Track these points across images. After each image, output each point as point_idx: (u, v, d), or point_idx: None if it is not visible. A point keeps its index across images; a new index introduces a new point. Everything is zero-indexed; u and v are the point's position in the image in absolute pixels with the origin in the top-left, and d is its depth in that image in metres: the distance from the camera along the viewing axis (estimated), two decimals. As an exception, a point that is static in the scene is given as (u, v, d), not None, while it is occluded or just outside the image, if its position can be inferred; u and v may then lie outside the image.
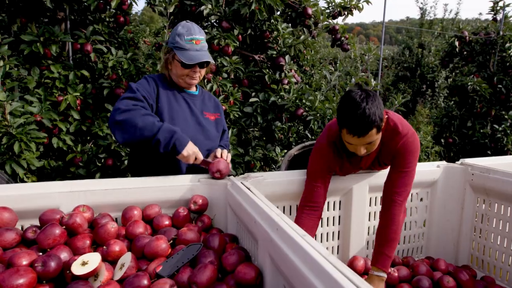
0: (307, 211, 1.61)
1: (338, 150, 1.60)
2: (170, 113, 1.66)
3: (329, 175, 1.65)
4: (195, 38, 1.64)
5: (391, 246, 1.53)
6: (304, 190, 1.66)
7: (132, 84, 1.62)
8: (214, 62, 1.78)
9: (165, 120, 1.64)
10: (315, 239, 1.68)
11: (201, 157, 1.57)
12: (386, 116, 1.54)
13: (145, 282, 1.09)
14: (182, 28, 1.65)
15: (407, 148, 1.54)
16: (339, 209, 1.83)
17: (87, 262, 1.09)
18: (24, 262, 1.10)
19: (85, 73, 3.01)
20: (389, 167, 1.74)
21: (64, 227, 1.25)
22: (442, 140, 5.40)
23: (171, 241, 1.32)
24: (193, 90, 1.80)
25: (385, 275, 1.52)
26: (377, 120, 1.37)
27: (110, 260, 1.20)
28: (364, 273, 1.74)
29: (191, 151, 1.53)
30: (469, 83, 4.91)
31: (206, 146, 1.73)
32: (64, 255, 1.17)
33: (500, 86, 4.99)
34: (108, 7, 3.04)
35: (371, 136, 1.40)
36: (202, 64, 1.68)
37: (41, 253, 1.17)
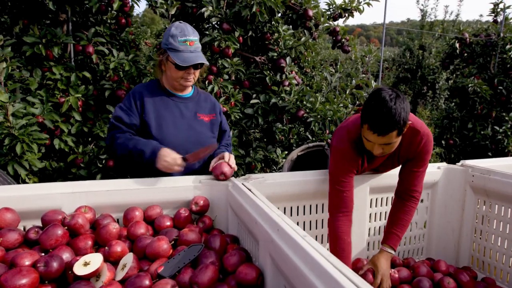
0: (341, 217, 1.57)
1: (359, 149, 1.58)
2: (157, 122, 1.67)
3: (353, 176, 1.62)
4: (188, 40, 1.63)
5: (402, 230, 1.66)
6: (332, 197, 1.61)
7: (117, 107, 1.68)
8: (208, 64, 1.76)
9: (152, 129, 1.65)
10: (315, 239, 1.69)
11: (179, 160, 1.54)
12: (410, 122, 1.49)
13: (147, 282, 1.09)
14: (175, 29, 1.64)
15: (427, 148, 1.59)
16: (340, 210, 1.83)
17: (89, 263, 1.10)
18: (27, 263, 1.11)
19: (87, 74, 3.02)
20: (397, 168, 1.77)
21: (66, 227, 1.26)
22: (443, 142, 5.40)
23: (173, 241, 1.33)
24: (187, 92, 1.80)
25: (393, 252, 1.65)
26: (400, 122, 1.36)
27: (112, 260, 1.21)
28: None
29: (166, 163, 1.52)
30: (470, 85, 4.92)
31: (199, 149, 1.73)
32: (66, 255, 1.18)
33: (500, 87, 4.99)
34: (109, 9, 3.05)
35: (391, 137, 1.39)
36: (196, 66, 1.68)
37: (43, 254, 1.18)
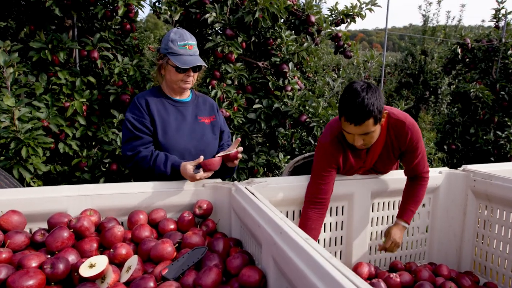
0: (313, 206, 1.67)
1: (342, 144, 1.65)
2: (162, 128, 1.72)
3: (333, 171, 1.68)
4: (188, 44, 1.69)
5: (415, 205, 1.77)
6: (309, 187, 1.70)
7: (129, 117, 1.70)
8: (206, 66, 1.81)
9: (158, 135, 1.71)
10: (318, 243, 1.70)
11: (191, 171, 1.55)
12: (386, 111, 1.58)
13: (151, 284, 1.11)
14: (174, 35, 1.70)
15: (417, 136, 1.65)
16: (342, 214, 1.84)
17: (94, 265, 1.12)
18: (34, 264, 1.13)
19: (92, 79, 3.06)
20: (397, 172, 1.83)
21: (72, 230, 1.28)
22: (445, 147, 5.40)
23: (177, 244, 1.35)
24: (185, 97, 1.84)
25: (407, 226, 1.77)
26: (374, 111, 1.42)
27: (117, 263, 1.22)
28: (368, 278, 1.75)
29: (191, 180, 1.57)
30: (472, 90, 4.93)
31: (202, 151, 1.77)
32: (72, 257, 1.20)
33: (502, 93, 5.00)
34: (114, 14, 3.09)
35: (367, 126, 1.45)
36: (195, 68, 1.73)
37: (49, 256, 1.20)
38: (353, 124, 1.44)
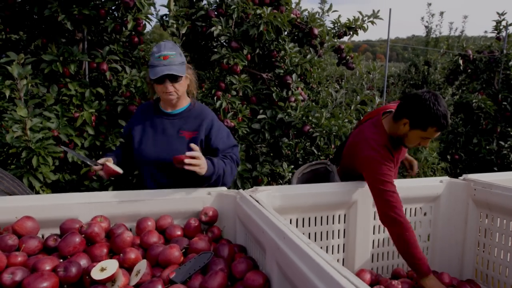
0: (405, 219, 1.66)
1: (391, 152, 1.77)
2: (139, 137, 1.84)
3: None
4: (163, 54, 1.68)
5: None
6: (394, 202, 1.67)
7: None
8: (184, 75, 1.75)
9: (134, 144, 1.85)
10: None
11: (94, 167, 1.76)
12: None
13: (160, 287, 1.15)
14: (155, 48, 1.74)
15: None
16: (344, 222, 1.88)
17: (105, 268, 1.17)
18: (47, 267, 1.18)
19: (100, 90, 3.14)
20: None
21: (83, 236, 1.33)
22: (448, 157, 5.42)
23: (183, 249, 1.39)
24: (177, 108, 1.86)
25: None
26: None
27: (126, 267, 1.27)
28: (370, 285, 1.77)
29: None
30: (474, 100, 4.97)
31: (171, 164, 1.78)
32: (84, 261, 1.25)
33: (505, 103, 5.04)
34: (123, 28, 3.19)
35: None
36: (173, 79, 1.71)
37: (62, 260, 1.25)
38: (441, 130, 1.63)
